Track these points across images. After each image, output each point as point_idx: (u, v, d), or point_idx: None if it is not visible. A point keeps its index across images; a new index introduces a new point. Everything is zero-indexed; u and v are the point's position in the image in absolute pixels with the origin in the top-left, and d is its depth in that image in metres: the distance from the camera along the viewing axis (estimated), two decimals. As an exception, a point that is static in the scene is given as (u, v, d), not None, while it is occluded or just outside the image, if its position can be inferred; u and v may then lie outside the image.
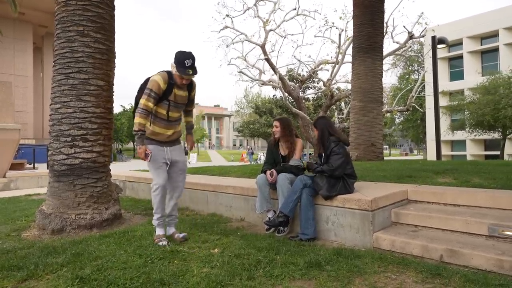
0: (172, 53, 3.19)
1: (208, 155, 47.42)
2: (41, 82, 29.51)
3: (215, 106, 79.52)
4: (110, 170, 4.28)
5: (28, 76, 26.54)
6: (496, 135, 21.24)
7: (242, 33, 15.57)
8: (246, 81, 17.14)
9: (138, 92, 3.28)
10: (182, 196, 3.54)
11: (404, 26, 13.89)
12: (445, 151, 29.52)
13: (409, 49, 16.87)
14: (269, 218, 3.67)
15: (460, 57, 29.95)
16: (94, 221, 3.80)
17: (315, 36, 16.69)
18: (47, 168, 5.55)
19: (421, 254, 2.73)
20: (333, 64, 15.82)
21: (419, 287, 2.23)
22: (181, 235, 3.29)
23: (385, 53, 12.04)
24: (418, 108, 20.30)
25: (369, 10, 8.59)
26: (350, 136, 8.74)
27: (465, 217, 2.92)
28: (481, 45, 29.08)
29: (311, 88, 30.51)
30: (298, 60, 17.01)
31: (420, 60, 29.20)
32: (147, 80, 3.21)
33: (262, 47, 14.93)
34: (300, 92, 16.85)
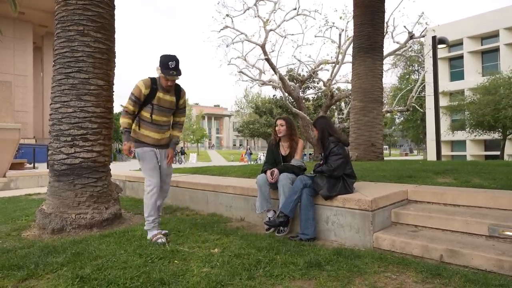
0: (171, 52, 3.22)
1: (208, 155, 47.43)
2: (41, 81, 29.49)
3: (215, 106, 79.56)
4: (110, 169, 4.29)
5: (28, 76, 26.52)
6: (496, 136, 21.25)
7: (242, 33, 15.59)
8: (246, 81, 17.17)
9: None
10: (169, 194, 3.74)
11: (405, 26, 13.91)
12: (445, 151, 29.53)
13: (410, 49, 16.87)
14: (269, 218, 3.67)
15: (461, 57, 29.96)
16: (94, 221, 3.80)
17: (315, 36, 16.70)
18: (47, 168, 5.56)
19: (421, 254, 2.73)
20: (333, 64, 15.83)
21: (419, 287, 2.23)
22: (163, 232, 3.41)
23: (385, 53, 12.05)
24: (418, 108, 20.30)
25: (369, 10, 8.59)
26: (350, 136, 8.73)
27: (465, 217, 2.92)
28: (482, 45, 29.09)
29: (311, 88, 30.49)
30: (298, 60, 17.03)
31: (420, 60, 29.21)
32: None
33: (262, 47, 14.93)
34: (300, 92, 16.86)
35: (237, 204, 4.32)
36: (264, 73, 16.55)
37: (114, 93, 4.36)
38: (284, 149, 3.92)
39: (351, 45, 9.64)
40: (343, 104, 24.26)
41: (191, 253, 2.88)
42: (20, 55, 25.96)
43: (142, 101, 3.30)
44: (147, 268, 2.52)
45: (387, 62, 17.48)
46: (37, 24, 26.51)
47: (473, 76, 28.10)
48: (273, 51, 16.07)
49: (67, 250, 2.97)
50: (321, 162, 3.53)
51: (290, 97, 16.49)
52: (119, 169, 10.74)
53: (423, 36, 14.97)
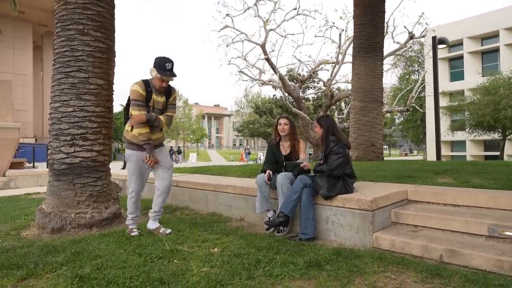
0: (169, 51, 3.23)
1: (207, 155, 47.42)
2: (41, 80, 29.49)
3: (215, 105, 79.51)
4: (109, 169, 4.28)
5: (28, 75, 26.51)
6: (496, 136, 21.25)
7: (242, 33, 15.59)
8: (246, 80, 17.18)
9: (128, 100, 3.42)
10: (169, 194, 3.66)
11: (405, 26, 13.91)
12: (445, 151, 29.53)
13: (410, 49, 16.88)
14: (269, 218, 3.67)
15: (461, 57, 29.95)
16: (93, 220, 3.80)
17: (315, 36, 16.67)
18: (47, 167, 5.55)
19: (421, 254, 2.73)
20: (333, 64, 15.84)
21: (419, 287, 2.22)
22: (167, 231, 3.43)
23: (385, 53, 12.05)
24: (418, 109, 20.31)
25: (369, 10, 8.58)
26: (350, 136, 8.74)
27: (465, 218, 2.91)
28: (482, 45, 29.08)
29: (311, 88, 30.50)
30: (298, 60, 17.04)
31: (420, 60, 29.20)
32: None
33: (262, 46, 14.93)
34: (300, 92, 16.86)
35: (237, 204, 4.32)
36: (264, 73, 16.56)
37: (114, 92, 4.36)
38: (285, 149, 3.92)
39: (351, 45, 9.64)
40: (343, 104, 24.29)
41: (190, 253, 2.87)
42: (20, 54, 25.96)
43: (145, 102, 3.30)
44: (147, 268, 2.52)
45: (387, 62, 17.51)
46: (37, 23, 26.50)
47: (473, 76, 28.09)
48: (273, 50, 16.09)
49: (66, 250, 2.97)
50: (321, 162, 3.53)
51: (290, 97, 16.49)
52: (118, 169, 10.74)
53: (423, 36, 14.98)
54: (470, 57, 29.33)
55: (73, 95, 3.88)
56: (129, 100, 3.38)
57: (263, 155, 32.15)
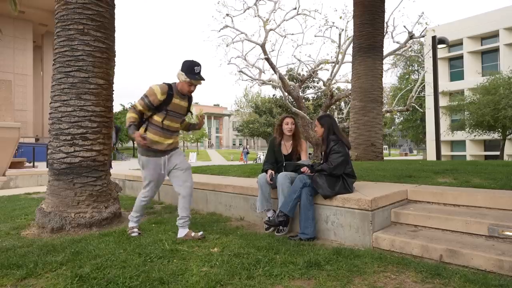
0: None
1: (207, 155, 47.41)
2: (41, 80, 29.49)
3: (214, 105, 79.50)
4: (109, 168, 4.28)
5: (28, 75, 26.53)
6: (496, 136, 21.26)
7: (242, 32, 15.56)
8: (246, 80, 17.13)
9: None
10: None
11: (405, 26, 13.89)
12: (445, 151, 29.55)
13: (409, 49, 16.83)
14: (269, 217, 3.67)
15: (460, 57, 29.96)
16: (93, 220, 3.80)
17: (315, 36, 16.62)
18: (47, 167, 5.55)
19: (421, 254, 2.73)
20: (333, 64, 15.82)
21: (419, 287, 2.22)
22: (199, 233, 3.32)
23: (385, 53, 12.04)
24: (418, 108, 20.30)
25: (369, 9, 8.59)
26: (350, 136, 8.73)
27: (465, 217, 2.91)
28: (481, 45, 29.09)
29: (311, 87, 30.53)
30: (298, 60, 17.01)
31: (420, 60, 29.21)
32: None
33: (262, 46, 14.92)
34: (300, 92, 16.84)
35: (237, 204, 4.32)
36: (264, 72, 16.54)
37: (114, 92, 4.36)
38: (286, 148, 3.92)
39: (351, 44, 9.63)
40: (343, 104, 24.30)
41: (190, 253, 2.87)
42: (20, 54, 25.97)
43: (155, 106, 3.23)
44: (147, 267, 2.52)
45: (387, 62, 17.47)
46: (37, 23, 26.51)
47: (473, 76, 28.11)
48: (273, 50, 16.07)
49: (66, 249, 2.97)
50: (321, 162, 3.53)
51: (290, 96, 16.47)
52: (118, 168, 10.73)
53: (423, 36, 14.96)
54: (470, 56, 29.34)
55: (73, 94, 3.88)
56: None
57: (263, 155, 32.15)
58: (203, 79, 3.27)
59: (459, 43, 29.33)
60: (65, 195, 3.80)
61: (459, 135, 24.84)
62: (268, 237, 3.34)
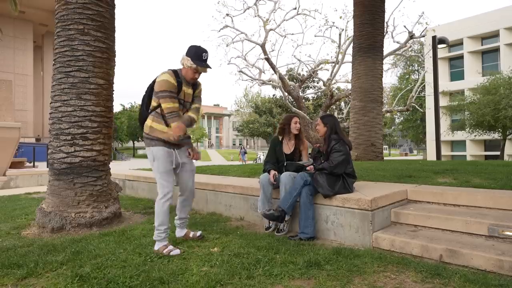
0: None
1: (207, 155, 47.40)
2: (41, 80, 29.49)
3: (214, 105, 79.46)
4: (109, 168, 4.28)
5: (28, 75, 26.54)
6: (496, 136, 21.25)
7: (242, 32, 15.58)
8: (246, 80, 17.14)
9: (146, 92, 3.15)
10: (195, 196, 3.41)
11: (405, 26, 13.92)
12: (445, 151, 29.54)
13: (410, 49, 16.83)
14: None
15: (461, 57, 29.95)
16: (93, 220, 3.80)
17: (315, 36, 16.63)
18: (47, 167, 5.56)
19: (421, 254, 2.73)
20: (333, 64, 15.82)
21: (419, 287, 2.23)
22: (198, 233, 3.28)
23: (385, 52, 12.04)
24: (418, 108, 20.31)
25: (369, 9, 8.59)
26: (350, 136, 8.74)
27: (465, 217, 2.92)
28: (482, 45, 29.08)
29: (311, 87, 30.53)
30: (298, 60, 17.03)
31: (420, 60, 29.19)
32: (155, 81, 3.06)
33: (262, 46, 14.93)
34: (300, 92, 16.85)
35: (237, 203, 4.32)
36: (264, 72, 16.55)
37: (114, 92, 4.36)
38: (288, 147, 3.91)
39: (351, 44, 9.64)
40: (343, 104, 24.29)
41: (190, 252, 2.88)
42: (20, 54, 25.98)
43: (176, 93, 2.97)
44: (147, 267, 2.52)
45: (387, 62, 17.48)
46: (37, 23, 26.51)
47: (473, 76, 28.10)
48: (273, 50, 16.08)
49: (66, 249, 2.97)
50: (322, 161, 3.54)
51: (290, 96, 16.47)
52: (118, 168, 10.73)
53: (423, 36, 14.96)
54: (470, 56, 29.33)
55: (74, 94, 3.89)
56: (147, 93, 3.11)
57: (263, 155, 32.16)
58: (210, 67, 3.04)
59: (459, 43, 29.32)
60: (65, 195, 3.80)
61: (459, 135, 24.83)
62: (268, 237, 3.34)
